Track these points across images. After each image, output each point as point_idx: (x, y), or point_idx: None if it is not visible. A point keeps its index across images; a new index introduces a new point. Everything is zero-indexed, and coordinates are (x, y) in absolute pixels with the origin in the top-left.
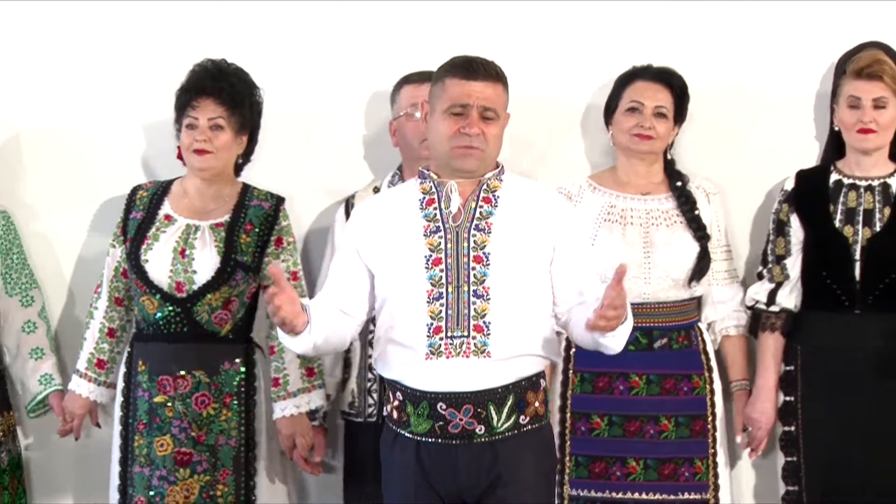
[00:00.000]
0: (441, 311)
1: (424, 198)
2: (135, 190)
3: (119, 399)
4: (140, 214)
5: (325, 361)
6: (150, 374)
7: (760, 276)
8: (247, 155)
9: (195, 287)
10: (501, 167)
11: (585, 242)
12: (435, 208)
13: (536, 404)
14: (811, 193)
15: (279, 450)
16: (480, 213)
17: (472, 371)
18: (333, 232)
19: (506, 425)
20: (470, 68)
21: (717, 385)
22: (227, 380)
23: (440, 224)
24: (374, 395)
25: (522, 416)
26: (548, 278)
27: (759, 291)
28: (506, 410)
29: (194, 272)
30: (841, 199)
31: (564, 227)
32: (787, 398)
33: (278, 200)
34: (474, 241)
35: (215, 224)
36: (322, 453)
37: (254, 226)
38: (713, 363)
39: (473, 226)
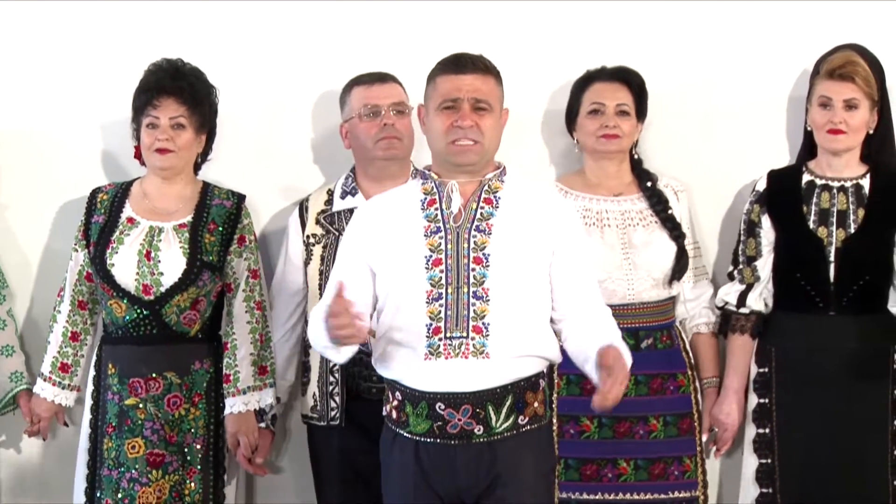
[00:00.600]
0: (440, 312)
1: (426, 198)
2: (94, 193)
3: (88, 402)
4: (102, 218)
5: (277, 362)
6: (120, 377)
7: (731, 277)
8: (205, 154)
9: (163, 289)
10: (503, 167)
11: (585, 247)
12: (436, 209)
13: (535, 405)
14: (783, 194)
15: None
16: (481, 213)
17: (470, 372)
18: (288, 235)
19: (504, 426)
20: (458, 63)
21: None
22: (198, 379)
23: (441, 224)
24: (337, 399)
25: (521, 417)
26: (547, 280)
27: (730, 293)
28: (504, 411)
29: (161, 274)
30: (814, 199)
31: (565, 231)
32: (762, 400)
33: (240, 198)
34: (474, 242)
35: (179, 225)
36: (264, 455)
37: (217, 225)
38: (693, 361)
39: (474, 227)
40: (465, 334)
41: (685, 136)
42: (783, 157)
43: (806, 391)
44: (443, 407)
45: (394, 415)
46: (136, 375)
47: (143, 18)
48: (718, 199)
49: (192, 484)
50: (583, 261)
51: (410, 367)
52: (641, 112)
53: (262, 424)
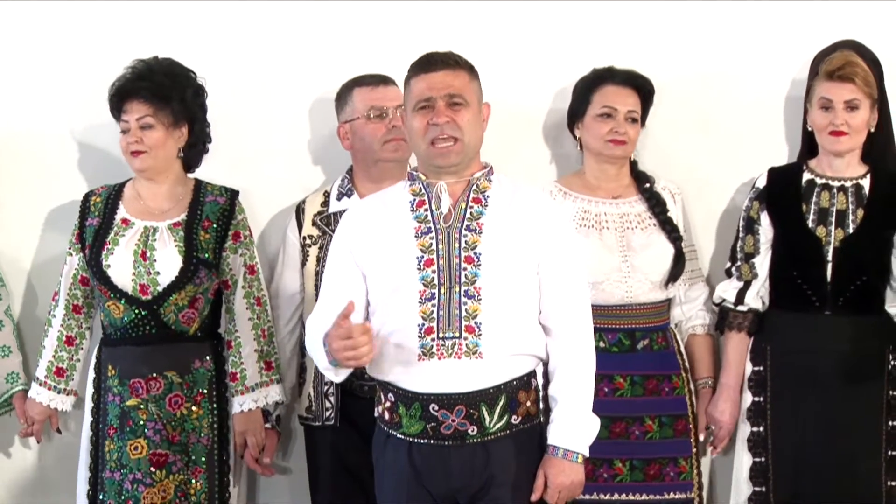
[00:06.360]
0: (433, 312)
1: (415, 199)
2: (87, 196)
3: (88, 405)
4: (96, 220)
5: (281, 361)
6: (120, 378)
7: (729, 274)
8: (193, 146)
9: (160, 288)
10: (490, 168)
11: (572, 257)
12: (426, 209)
13: (528, 404)
14: (783, 192)
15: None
16: (471, 213)
17: (463, 372)
18: (285, 237)
19: (498, 425)
20: (429, 62)
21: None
22: (199, 378)
23: (431, 225)
24: (332, 399)
25: (514, 416)
26: (536, 281)
27: (728, 290)
28: (498, 411)
29: (157, 273)
30: (814, 199)
31: (551, 240)
32: (756, 398)
33: (233, 194)
34: (465, 242)
35: (173, 224)
36: (271, 455)
37: (211, 222)
38: (688, 364)
39: (465, 226)
40: (457, 334)
41: (681, 135)
42: (781, 157)
43: (801, 390)
44: (436, 408)
45: (386, 416)
46: (137, 376)
47: (139, 18)
48: (715, 198)
49: (198, 483)
50: (567, 274)
51: (403, 368)
52: (645, 117)
53: (268, 425)
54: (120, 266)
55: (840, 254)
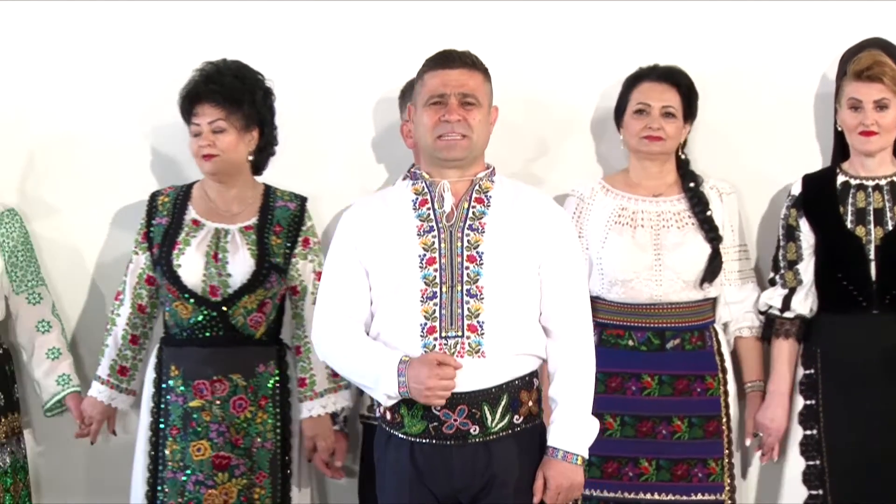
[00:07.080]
0: (435, 311)
1: (417, 198)
2: (154, 196)
3: (148, 404)
4: (165, 220)
5: None
6: (184, 379)
7: (773, 283)
8: (263, 150)
9: (230, 290)
10: (493, 168)
11: (572, 261)
12: (428, 208)
13: (530, 404)
14: (819, 197)
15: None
16: (473, 212)
17: (466, 371)
18: None
19: (500, 425)
20: (446, 58)
21: (732, 386)
22: (263, 382)
23: (434, 224)
24: None
25: (516, 416)
26: (538, 282)
27: (774, 297)
28: (500, 410)
29: (229, 275)
30: (850, 200)
31: (553, 238)
32: (808, 402)
33: (302, 201)
34: (468, 241)
35: (244, 227)
36: (343, 458)
37: (282, 227)
38: (728, 364)
39: (467, 225)
40: (460, 333)
41: (721, 140)
42: (815, 159)
43: (853, 391)
44: (438, 407)
45: (388, 416)
46: (202, 377)
47: (202, 19)
48: (755, 204)
49: (262, 489)
50: (567, 276)
51: None
52: (690, 113)
53: (336, 427)
54: (191, 266)
55: (882, 252)
